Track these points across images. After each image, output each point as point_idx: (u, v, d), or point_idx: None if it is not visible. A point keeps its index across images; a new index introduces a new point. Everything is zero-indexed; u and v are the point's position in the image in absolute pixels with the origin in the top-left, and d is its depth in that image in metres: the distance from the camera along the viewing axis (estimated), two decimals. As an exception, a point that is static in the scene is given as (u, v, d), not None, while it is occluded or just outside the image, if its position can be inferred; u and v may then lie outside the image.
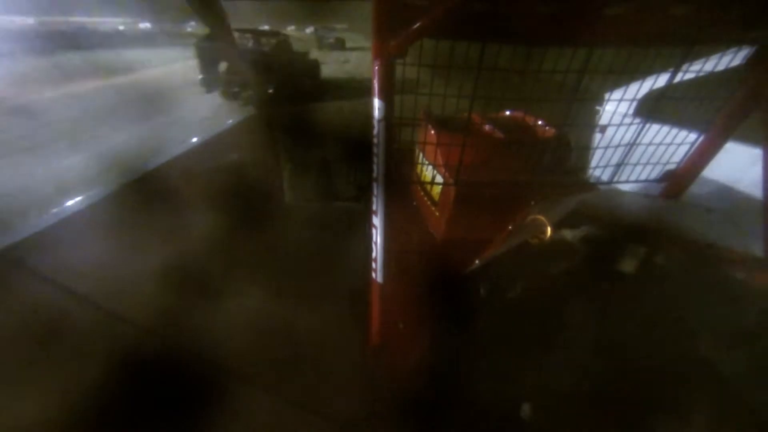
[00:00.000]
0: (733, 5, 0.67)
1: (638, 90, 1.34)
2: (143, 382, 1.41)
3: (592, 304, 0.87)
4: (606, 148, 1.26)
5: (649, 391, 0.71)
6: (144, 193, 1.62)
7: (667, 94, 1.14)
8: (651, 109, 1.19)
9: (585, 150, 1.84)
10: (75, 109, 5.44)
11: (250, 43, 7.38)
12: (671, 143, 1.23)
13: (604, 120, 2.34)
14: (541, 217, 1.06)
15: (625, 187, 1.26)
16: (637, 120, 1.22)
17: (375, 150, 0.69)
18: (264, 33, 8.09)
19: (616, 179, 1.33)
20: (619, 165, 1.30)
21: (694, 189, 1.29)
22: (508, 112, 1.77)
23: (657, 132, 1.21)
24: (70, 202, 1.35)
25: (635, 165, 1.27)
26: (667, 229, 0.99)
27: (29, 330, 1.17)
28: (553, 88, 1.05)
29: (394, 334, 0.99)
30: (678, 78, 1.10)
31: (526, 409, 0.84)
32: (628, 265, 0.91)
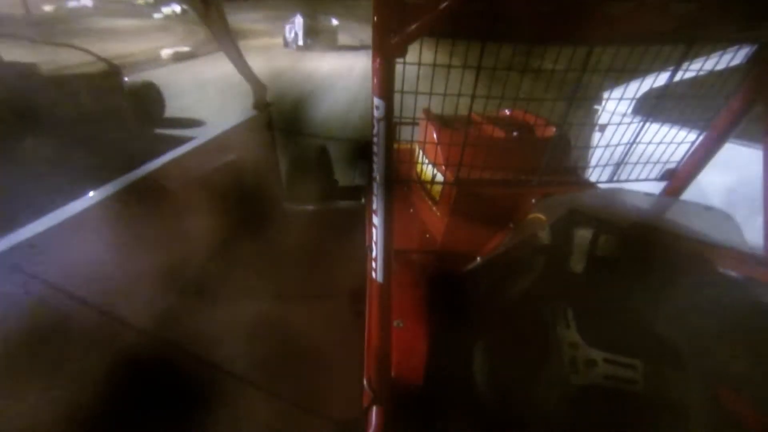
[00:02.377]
0: (734, 4, 0.66)
1: (638, 89, 1.34)
2: (142, 383, 1.41)
3: (592, 303, 0.87)
4: (606, 147, 1.26)
5: (653, 391, 0.71)
6: (143, 194, 1.62)
7: (667, 92, 1.14)
8: (651, 108, 1.19)
9: (585, 149, 1.85)
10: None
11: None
12: (671, 142, 1.23)
13: (603, 119, 2.35)
14: (541, 216, 1.06)
15: (625, 186, 1.26)
16: (637, 119, 1.22)
17: (375, 149, 0.68)
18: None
19: (616, 178, 1.33)
20: (619, 164, 1.30)
21: (694, 188, 1.29)
22: (508, 112, 1.77)
23: (657, 131, 1.21)
24: (67, 204, 1.35)
25: (635, 164, 1.27)
26: (667, 228, 0.99)
27: (28, 332, 1.17)
28: (553, 87, 1.05)
29: (393, 334, 0.99)
30: (678, 77, 1.10)
31: (526, 409, 0.84)
32: (628, 264, 0.91)
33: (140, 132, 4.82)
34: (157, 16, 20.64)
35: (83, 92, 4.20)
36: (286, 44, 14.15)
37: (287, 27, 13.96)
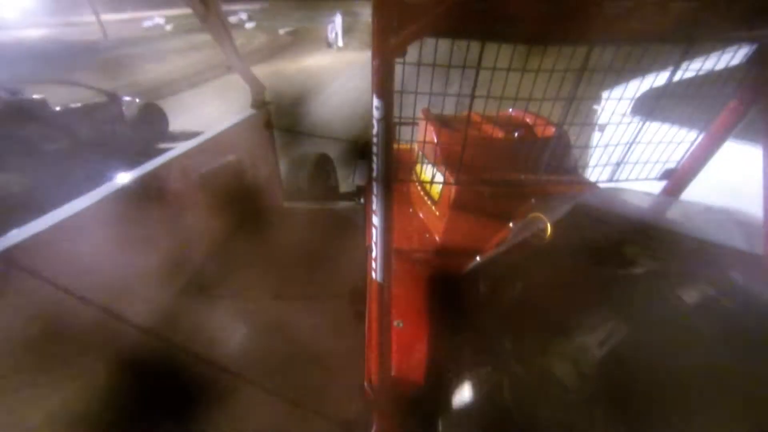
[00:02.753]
0: (734, 4, 0.66)
1: (638, 88, 1.34)
2: (142, 382, 1.41)
3: (592, 304, 0.87)
4: (605, 146, 1.26)
5: (652, 390, 0.71)
6: (143, 194, 1.62)
7: (666, 92, 1.14)
8: (650, 108, 1.19)
9: (585, 149, 1.85)
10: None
11: None
12: (671, 142, 1.23)
13: (603, 118, 2.35)
14: (542, 216, 1.06)
15: (624, 186, 1.26)
16: (637, 118, 1.22)
17: (374, 149, 0.69)
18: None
19: (615, 178, 1.33)
20: (618, 164, 1.30)
21: (694, 187, 1.29)
22: (507, 111, 1.77)
23: (657, 131, 1.21)
24: (67, 204, 1.35)
25: (635, 164, 1.27)
26: (667, 227, 0.99)
27: (29, 332, 1.17)
28: (553, 87, 1.05)
29: (393, 334, 0.99)
30: (678, 76, 1.10)
31: (525, 408, 0.84)
32: (629, 264, 0.91)
33: (135, 152, 5.04)
34: (248, 26, 18.57)
35: (77, 124, 4.66)
36: (329, 45, 13.53)
37: (329, 27, 13.35)
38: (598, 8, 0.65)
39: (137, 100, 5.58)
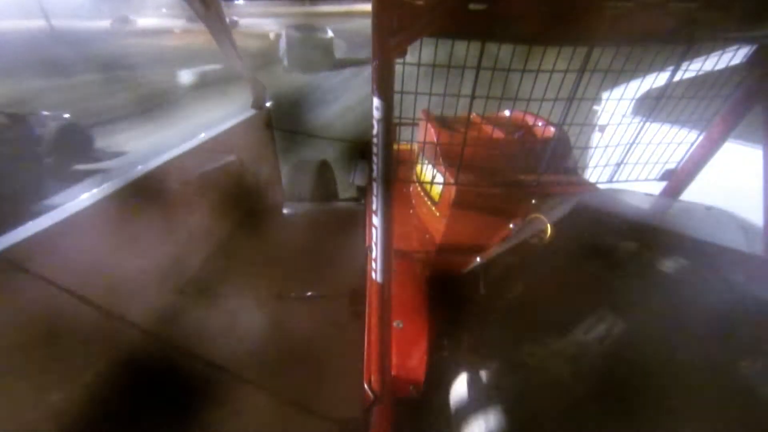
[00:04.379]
0: (734, 4, 0.66)
1: (638, 89, 1.34)
2: (142, 382, 1.41)
3: (592, 304, 0.87)
4: (605, 147, 1.26)
5: (651, 390, 0.71)
6: (143, 194, 1.62)
7: (666, 93, 1.14)
8: (650, 108, 1.19)
9: (585, 149, 1.85)
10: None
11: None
12: (671, 142, 1.23)
13: (603, 119, 2.35)
14: (542, 217, 1.06)
15: (625, 187, 1.26)
16: (637, 119, 1.22)
17: (375, 150, 0.68)
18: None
19: (615, 178, 1.33)
20: (618, 164, 1.30)
21: (694, 188, 1.29)
22: (508, 112, 1.77)
23: (657, 131, 1.21)
24: (67, 204, 1.35)
25: (635, 164, 1.27)
26: (667, 227, 0.99)
27: (28, 332, 1.17)
28: (553, 87, 1.05)
29: (393, 334, 0.99)
30: (678, 77, 1.10)
31: (525, 408, 0.84)
32: (629, 264, 0.91)
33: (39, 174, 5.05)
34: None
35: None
36: (282, 62, 12.21)
37: (280, 43, 11.97)
38: (598, 8, 0.65)
39: (65, 116, 5.36)
